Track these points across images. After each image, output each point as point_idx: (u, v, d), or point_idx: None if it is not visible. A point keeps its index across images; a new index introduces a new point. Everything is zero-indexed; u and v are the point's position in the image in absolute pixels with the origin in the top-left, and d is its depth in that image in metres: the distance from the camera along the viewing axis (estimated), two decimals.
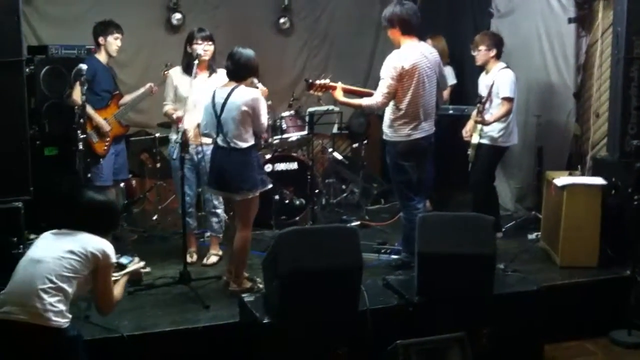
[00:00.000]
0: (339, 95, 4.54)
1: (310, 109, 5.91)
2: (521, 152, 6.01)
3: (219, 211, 4.87)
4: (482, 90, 5.37)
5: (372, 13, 7.21)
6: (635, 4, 4.63)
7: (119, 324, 3.58)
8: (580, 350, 4.19)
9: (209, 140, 4.38)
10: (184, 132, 4.22)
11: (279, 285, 3.31)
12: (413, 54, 4.42)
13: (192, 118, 4.51)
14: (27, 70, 5.01)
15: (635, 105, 4.72)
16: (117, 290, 3.14)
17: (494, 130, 5.21)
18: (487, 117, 5.11)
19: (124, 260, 3.28)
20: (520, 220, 5.75)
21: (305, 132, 5.87)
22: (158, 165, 5.91)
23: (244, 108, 3.99)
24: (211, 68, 4.79)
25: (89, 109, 4.65)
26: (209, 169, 4.32)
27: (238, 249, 4.16)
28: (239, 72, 4.10)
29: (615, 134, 4.80)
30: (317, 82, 4.53)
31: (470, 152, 5.35)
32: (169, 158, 4.98)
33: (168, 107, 4.89)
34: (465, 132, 5.40)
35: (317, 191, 5.96)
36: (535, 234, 5.33)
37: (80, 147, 4.26)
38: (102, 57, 5.07)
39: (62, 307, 2.80)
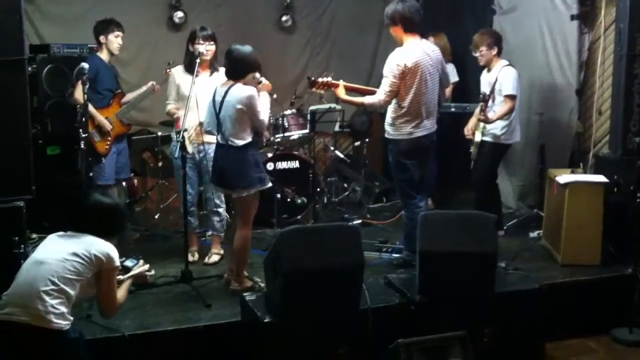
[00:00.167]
0: (341, 93, 4.53)
1: (312, 107, 5.90)
2: (523, 149, 6.00)
3: (220, 210, 4.88)
4: (485, 88, 5.35)
5: (374, 11, 7.19)
6: (638, 1, 4.61)
7: (121, 323, 3.59)
8: (581, 348, 4.18)
9: (211, 139, 4.38)
10: (184, 132, 4.21)
11: (280, 284, 3.31)
12: (415, 52, 4.41)
13: (194, 117, 4.51)
14: (29, 69, 5.03)
15: (638, 102, 4.71)
16: (121, 293, 3.14)
17: (497, 127, 5.20)
18: (490, 115, 5.10)
19: (129, 263, 3.28)
20: (522, 218, 5.74)
21: (307, 131, 5.86)
22: (160, 164, 5.92)
23: (239, 106, 3.99)
24: (213, 67, 4.79)
25: (91, 108, 4.66)
26: (212, 166, 4.32)
27: (238, 247, 4.16)
28: (236, 69, 4.10)
29: (618, 131, 4.79)
30: (320, 80, 4.53)
31: (472, 149, 5.35)
32: (171, 157, 4.99)
33: (170, 107, 4.89)
34: (467, 130, 5.39)
35: (318, 190, 5.96)
36: (537, 232, 5.32)
37: (82, 146, 4.26)
38: (104, 55, 5.07)
39: (63, 309, 2.81)
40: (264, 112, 4.10)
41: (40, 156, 5.29)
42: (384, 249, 5.04)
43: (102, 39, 5.03)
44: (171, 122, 5.14)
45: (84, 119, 4.30)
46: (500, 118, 5.13)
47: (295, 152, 5.95)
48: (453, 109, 6.06)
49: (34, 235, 5.21)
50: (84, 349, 2.94)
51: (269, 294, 3.55)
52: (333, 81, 4.54)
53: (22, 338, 2.76)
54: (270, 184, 4.18)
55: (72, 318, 2.86)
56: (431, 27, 5.71)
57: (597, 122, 5.48)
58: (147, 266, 3.36)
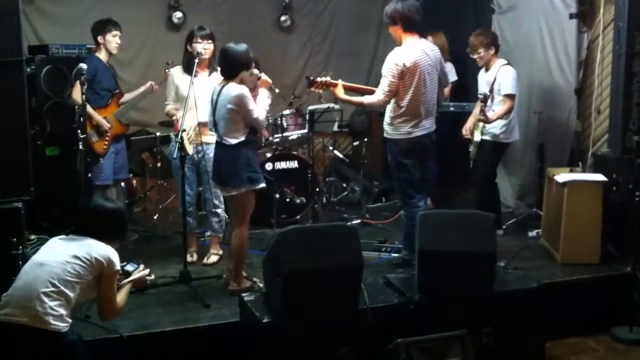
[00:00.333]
0: (340, 92, 4.53)
1: (311, 107, 5.90)
2: (522, 148, 6.00)
3: (219, 211, 4.87)
4: (482, 88, 5.35)
5: (373, 10, 7.19)
6: None
7: (120, 324, 3.57)
8: (581, 347, 4.18)
9: (210, 139, 4.37)
10: (182, 133, 4.21)
11: (279, 284, 3.31)
12: (414, 51, 4.41)
13: (192, 117, 4.51)
14: (28, 70, 5.03)
15: (637, 101, 4.70)
16: (121, 297, 3.14)
17: (496, 127, 5.20)
18: (490, 114, 5.09)
19: (129, 267, 3.28)
20: (521, 217, 5.74)
21: (306, 131, 5.86)
22: (159, 164, 5.92)
23: (230, 106, 3.98)
24: (212, 66, 4.78)
25: (89, 108, 4.65)
26: (212, 164, 4.33)
27: (234, 246, 4.16)
28: (228, 68, 4.09)
29: (617, 130, 4.79)
30: (318, 79, 4.52)
31: (471, 149, 5.34)
32: (170, 157, 4.98)
33: (170, 107, 4.89)
34: (465, 130, 5.39)
35: (317, 189, 5.95)
36: (536, 231, 5.32)
37: (81, 146, 4.26)
38: (102, 55, 5.07)
39: (62, 311, 2.81)
40: (260, 109, 4.08)
41: (39, 157, 5.30)
42: (383, 249, 5.04)
43: (100, 39, 5.03)
44: (170, 122, 5.14)
45: (82, 120, 4.30)
46: (500, 118, 5.13)
47: (294, 152, 5.95)
48: (452, 108, 6.06)
49: (33, 236, 5.20)
50: (82, 351, 2.94)
51: (268, 294, 3.55)
52: (332, 81, 4.54)
53: (20, 339, 2.75)
54: (263, 184, 4.14)
55: (70, 320, 2.86)
56: (430, 26, 5.70)
57: (596, 120, 5.48)
58: (147, 271, 3.36)
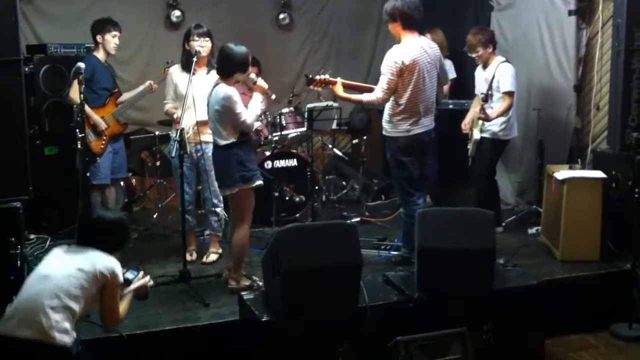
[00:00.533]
0: (339, 90, 4.52)
1: (309, 105, 5.89)
2: (522, 146, 6.00)
3: (218, 210, 4.86)
4: (480, 85, 5.35)
5: (372, 8, 7.20)
6: None
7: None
8: (581, 344, 4.18)
9: (209, 138, 4.37)
10: (182, 131, 4.21)
11: (279, 282, 3.31)
12: (413, 49, 4.40)
13: (191, 115, 4.50)
14: (26, 69, 5.04)
15: (636, 97, 4.69)
16: (123, 306, 3.14)
17: (496, 124, 5.20)
18: (489, 112, 5.09)
19: (129, 274, 3.26)
20: (521, 214, 5.75)
21: (305, 129, 5.86)
22: (158, 163, 5.92)
23: (217, 107, 3.99)
24: (210, 64, 4.77)
25: (86, 108, 4.64)
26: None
27: (235, 244, 4.17)
28: (224, 67, 4.08)
29: (616, 126, 4.78)
30: (317, 77, 4.51)
31: (470, 146, 5.34)
32: (169, 156, 4.98)
33: (169, 106, 4.88)
34: (465, 125, 5.38)
35: (317, 188, 5.95)
36: (536, 228, 5.32)
37: (79, 146, 4.26)
38: (100, 55, 5.07)
39: (67, 325, 2.79)
40: (250, 113, 4.06)
41: (38, 156, 5.30)
42: (382, 247, 5.04)
43: (99, 38, 5.03)
44: (169, 121, 5.14)
45: (79, 119, 4.30)
46: (500, 115, 5.13)
47: (294, 150, 5.94)
48: (451, 106, 6.06)
49: (32, 236, 5.22)
50: None
51: (267, 293, 3.54)
52: (331, 78, 4.52)
53: (25, 353, 2.73)
54: (259, 182, 4.13)
55: (75, 335, 2.84)
56: (429, 22, 5.69)
57: (596, 117, 5.47)
58: (147, 278, 3.34)
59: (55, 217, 5.43)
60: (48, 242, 5.14)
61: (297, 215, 5.77)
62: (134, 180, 6.14)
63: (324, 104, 5.79)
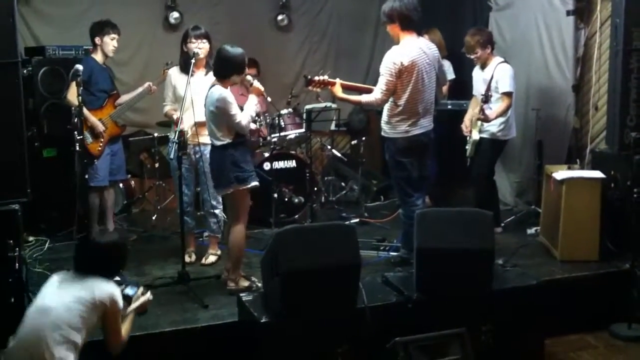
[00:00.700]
0: (337, 91, 4.51)
1: (308, 106, 5.89)
2: (521, 146, 6.00)
3: (217, 211, 4.86)
4: (478, 85, 5.35)
5: (371, 9, 7.20)
6: None
7: None
8: (580, 344, 4.18)
9: (207, 140, 4.37)
10: (180, 133, 4.21)
11: (277, 283, 3.31)
12: (412, 50, 4.40)
13: (189, 117, 4.50)
14: (24, 71, 5.04)
15: (635, 97, 4.69)
16: (125, 328, 3.12)
17: (494, 124, 5.20)
18: (488, 112, 5.09)
19: (129, 290, 3.22)
20: (520, 214, 5.74)
21: (303, 130, 5.85)
22: (157, 165, 5.92)
23: (211, 108, 4.02)
24: (208, 65, 4.76)
25: (84, 109, 4.65)
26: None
27: (230, 243, 4.18)
28: (220, 69, 4.09)
29: (614, 126, 4.77)
30: (316, 78, 4.50)
31: (468, 147, 5.34)
32: (168, 158, 4.98)
33: (168, 108, 4.88)
34: (465, 126, 5.38)
35: (316, 189, 5.95)
36: (535, 228, 5.32)
37: (78, 147, 4.25)
38: (98, 57, 5.07)
39: (71, 356, 2.79)
40: (244, 114, 4.07)
41: (37, 158, 5.30)
42: (381, 247, 5.03)
43: (97, 40, 5.03)
44: (168, 122, 5.13)
45: (76, 120, 4.29)
46: (499, 116, 5.13)
47: (292, 152, 5.95)
48: (450, 106, 6.06)
49: (31, 238, 5.22)
50: None
51: (266, 294, 3.54)
52: (330, 79, 4.52)
53: None
54: (254, 183, 4.13)
55: None
56: (426, 23, 5.70)
57: (594, 117, 5.48)
58: (148, 295, 3.31)
59: (54, 219, 5.43)
60: (47, 244, 5.15)
61: (296, 216, 5.76)
62: (133, 182, 6.15)
63: (322, 105, 5.79)
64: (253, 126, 4.84)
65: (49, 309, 2.84)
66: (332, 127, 6.43)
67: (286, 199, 5.70)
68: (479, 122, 5.20)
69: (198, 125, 4.53)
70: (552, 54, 5.78)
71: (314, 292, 3.35)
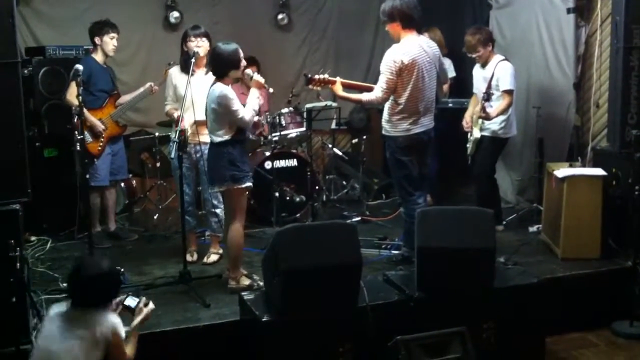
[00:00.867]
0: (338, 89, 4.51)
1: (308, 105, 5.89)
2: (522, 144, 5.99)
3: (218, 211, 4.85)
4: (478, 83, 5.35)
5: (371, 7, 7.19)
6: None
7: None
8: (582, 342, 4.18)
9: (208, 139, 4.37)
10: (181, 132, 4.21)
11: (279, 282, 3.31)
12: (413, 48, 4.39)
13: (190, 116, 4.50)
14: (25, 71, 5.04)
15: (635, 94, 4.69)
16: (130, 350, 3.08)
17: (495, 122, 5.20)
18: (489, 110, 5.09)
19: (130, 301, 3.17)
20: (522, 212, 5.74)
21: (304, 129, 5.85)
22: (158, 164, 5.91)
23: (213, 105, 4.03)
24: (209, 64, 4.77)
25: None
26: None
27: (227, 243, 4.19)
28: (216, 68, 4.10)
29: (615, 124, 4.78)
30: (317, 77, 4.50)
31: (469, 145, 5.33)
32: (169, 157, 4.99)
33: (169, 107, 4.89)
34: (466, 123, 5.38)
35: (317, 187, 5.95)
36: (536, 226, 5.31)
37: (78, 147, 4.25)
38: (98, 57, 5.07)
39: None
40: (247, 109, 4.08)
41: (38, 158, 5.30)
42: (383, 246, 5.03)
43: (97, 40, 5.03)
44: (169, 122, 5.14)
45: (76, 120, 4.29)
46: (500, 114, 5.13)
47: (293, 150, 5.94)
48: (450, 105, 6.05)
49: (33, 238, 5.23)
50: None
51: (268, 293, 3.54)
52: (330, 78, 4.52)
53: None
54: (249, 184, 4.13)
55: None
56: (427, 22, 5.69)
57: (595, 115, 5.47)
58: (150, 305, 3.26)
59: (56, 219, 5.44)
60: (49, 244, 5.16)
61: (298, 215, 5.76)
62: (134, 181, 6.16)
63: (323, 103, 5.79)
64: (256, 119, 4.85)
65: (51, 354, 2.82)
66: (333, 125, 6.42)
67: (287, 198, 5.70)
68: (480, 120, 5.19)
69: (198, 124, 4.54)
70: (552, 52, 5.78)
71: (316, 291, 3.35)
